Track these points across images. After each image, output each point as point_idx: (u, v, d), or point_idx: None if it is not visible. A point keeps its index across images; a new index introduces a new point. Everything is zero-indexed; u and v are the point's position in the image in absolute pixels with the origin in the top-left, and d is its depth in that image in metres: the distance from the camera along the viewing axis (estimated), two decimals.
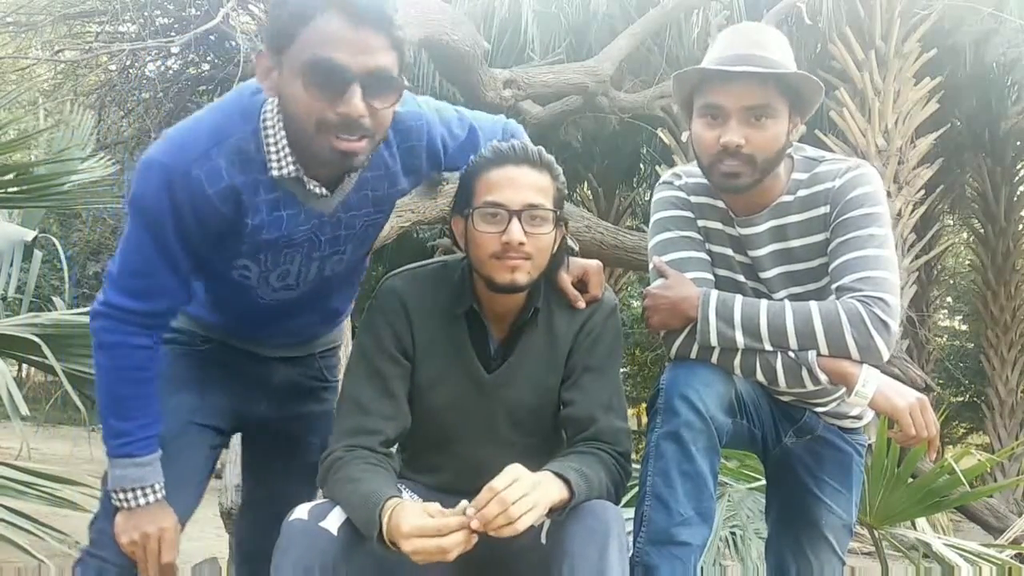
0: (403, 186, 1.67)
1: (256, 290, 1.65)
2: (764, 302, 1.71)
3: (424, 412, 1.68)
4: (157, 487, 1.60)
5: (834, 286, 1.70)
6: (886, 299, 1.64)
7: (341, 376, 1.96)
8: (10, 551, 2.74)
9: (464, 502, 1.38)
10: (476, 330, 1.67)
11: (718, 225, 1.82)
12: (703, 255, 1.82)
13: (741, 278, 1.82)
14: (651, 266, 1.83)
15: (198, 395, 1.72)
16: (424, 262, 1.76)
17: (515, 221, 1.55)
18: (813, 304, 1.67)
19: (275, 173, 1.47)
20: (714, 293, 1.72)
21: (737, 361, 1.70)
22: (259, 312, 1.70)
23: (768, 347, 1.68)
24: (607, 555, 1.41)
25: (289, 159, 1.47)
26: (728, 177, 1.68)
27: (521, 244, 1.54)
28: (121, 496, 1.59)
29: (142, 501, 1.59)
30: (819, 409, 1.88)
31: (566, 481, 1.44)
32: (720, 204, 1.81)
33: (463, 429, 1.68)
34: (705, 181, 1.79)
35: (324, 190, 1.52)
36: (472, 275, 1.66)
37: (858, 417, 1.91)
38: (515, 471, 1.38)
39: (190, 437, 1.69)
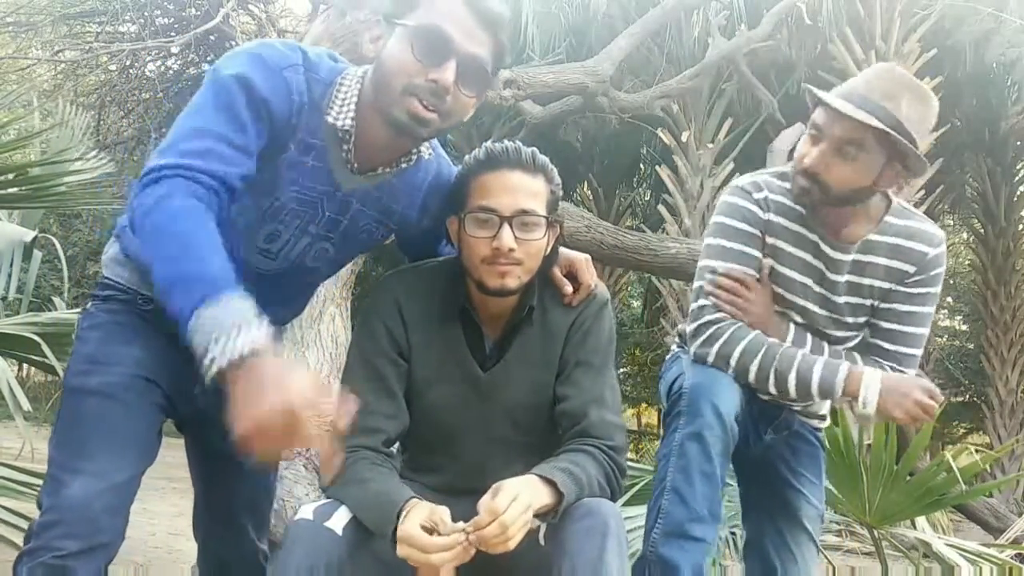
0: (409, 214, 1.69)
1: (239, 239, 1.55)
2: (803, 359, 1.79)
3: (421, 412, 1.67)
4: (264, 326, 1.24)
5: (879, 342, 1.87)
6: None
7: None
8: (11, 552, 2.75)
9: (460, 524, 1.38)
10: (471, 329, 1.67)
11: (789, 247, 1.86)
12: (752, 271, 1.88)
13: (806, 303, 1.87)
14: (703, 263, 1.88)
15: (143, 349, 1.56)
16: (420, 262, 1.76)
17: (506, 227, 1.54)
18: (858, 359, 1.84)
19: (330, 119, 1.51)
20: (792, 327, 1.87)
21: (753, 373, 1.79)
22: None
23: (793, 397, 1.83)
24: (605, 553, 1.41)
25: (351, 115, 1.51)
26: (801, 193, 1.79)
27: (511, 251, 1.55)
28: (213, 356, 1.21)
29: (245, 343, 1.21)
30: (796, 407, 1.98)
31: (552, 484, 1.44)
32: (804, 231, 1.85)
33: (461, 429, 1.68)
34: (792, 204, 1.85)
35: (356, 165, 1.56)
36: (465, 275, 1.66)
37: (824, 416, 2.06)
38: (513, 489, 1.38)
39: (136, 392, 1.53)
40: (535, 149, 1.62)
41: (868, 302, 1.86)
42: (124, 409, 1.52)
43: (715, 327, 1.81)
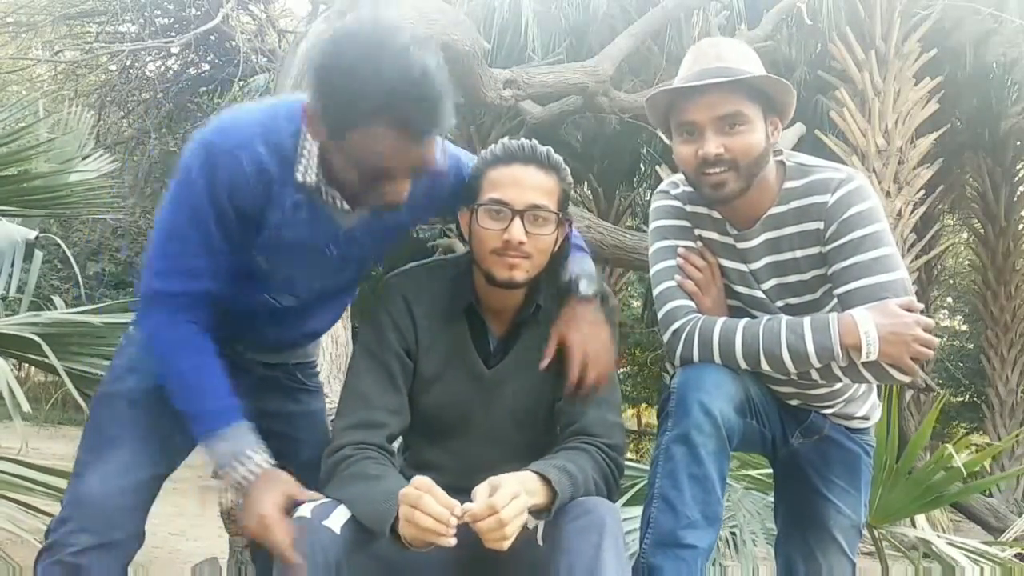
0: (418, 214, 1.70)
1: (257, 289, 1.65)
2: (782, 321, 1.68)
3: (425, 409, 1.68)
4: (258, 455, 1.53)
5: (841, 303, 1.67)
6: None
7: (322, 382, 1.97)
8: (15, 548, 2.75)
9: (466, 504, 1.38)
10: (476, 326, 1.68)
11: (715, 235, 1.83)
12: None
13: (741, 289, 1.82)
14: (652, 271, 1.84)
15: None
16: (426, 260, 1.77)
17: (517, 220, 1.57)
18: (806, 322, 1.66)
19: (299, 177, 1.51)
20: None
21: (740, 355, 1.69)
22: (250, 312, 1.69)
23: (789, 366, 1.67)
24: (602, 552, 1.41)
25: (314, 169, 1.51)
26: (715, 188, 1.69)
27: (521, 243, 1.56)
28: (232, 476, 1.53)
29: (245, 473, 1.52)
30: (826, 411, 1.88)
31: (547, 481, 1.44)
32: (716, 215, 1.81)
33: (464, 425, 1.69)
34: None
35: (345, 205, 1.55)
36: (473, 270, 1.67)
37: (865, 417, 1.91)
38: (512, 486, 1.38)
39: (157, 394, 1.59)
40: (550, 148, 1.63)
41: (797, 277, 1.74)
42: (150, 413, 1.58)
43: (687, 327, 1.73)
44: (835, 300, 1.71)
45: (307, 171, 1.51)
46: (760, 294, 1.80)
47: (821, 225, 1.69)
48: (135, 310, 1.59)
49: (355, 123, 1.38)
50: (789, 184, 1.74)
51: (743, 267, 1.80)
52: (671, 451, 1.66)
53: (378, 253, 1.75)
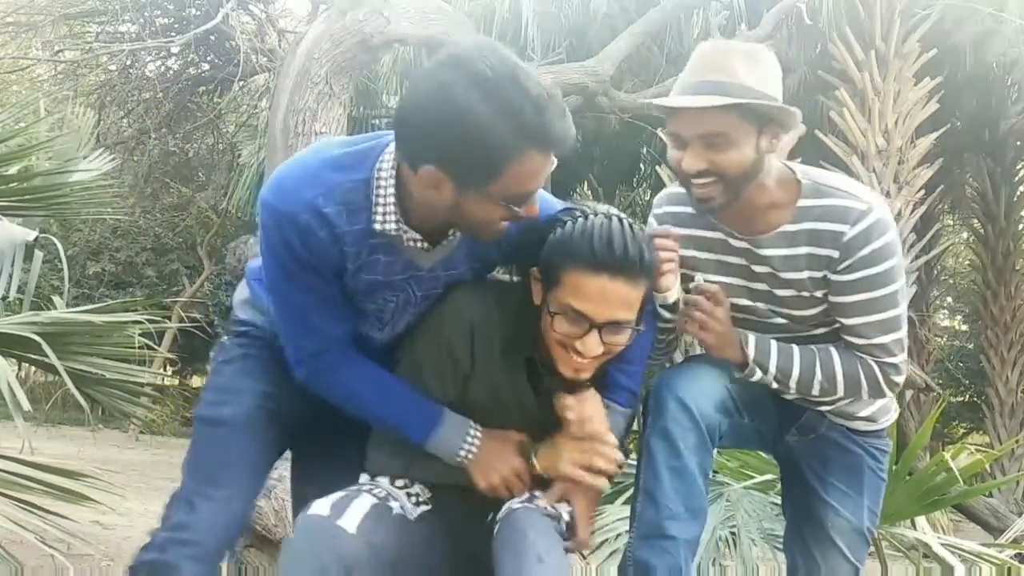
0: (499, 252, 1.66)
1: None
2: (794, 348, 1.73)
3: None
4: (472, 429, 1.62)
5: (848, 337, 1.71)
6: (899, 365, 1.73)
7: None
8: (15, 547, 2.75)
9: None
10: (533, 371, 1.64)
11: (709, 255, 1.79)
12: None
13: (741, 301, 1.78)
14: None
15: (270, 385, 1.70)
16: (489, 281, 1.70)
17: (594, 334, 1.49)
18: (836, 360, 1.72)
19: (377, 226, 1.50)
20: (752, 336, 1.74)
21: (796, 376, 1.74)
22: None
23: (794, 393, 1.76)
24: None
25: (392, 216, 1.49)
26: (702, 201, 1.67)
27: (595, 357, 1.51)
28: (460, 457, 1.61)
29: (474, 448, 1.61)
30: (822, 408, 1.85)
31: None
32: (713, 234, 1.77)
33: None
34: (684, 210, 1.78)
35: (425, 244, 1.54)
36: (538, 323, 1.58)
37: (870, 419, 1.85)
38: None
39: (261, 425, 1.67)
40: (644, 246, 1.50)
41: (795, 292, 1.72)
42: (249, 440, 1.65)
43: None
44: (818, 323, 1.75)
45: (385, 219, 1.49)
46: (775, 300, 1.76)
47: (836, 255, 1.65)
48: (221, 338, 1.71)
49: (507, 161, 1.36)
50: (804, 203, 1.68)
51: (753, 269, 1.76)
52: (651, 446, 1.68)
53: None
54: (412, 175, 1.43)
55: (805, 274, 1.70)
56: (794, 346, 1.74)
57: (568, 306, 1.48)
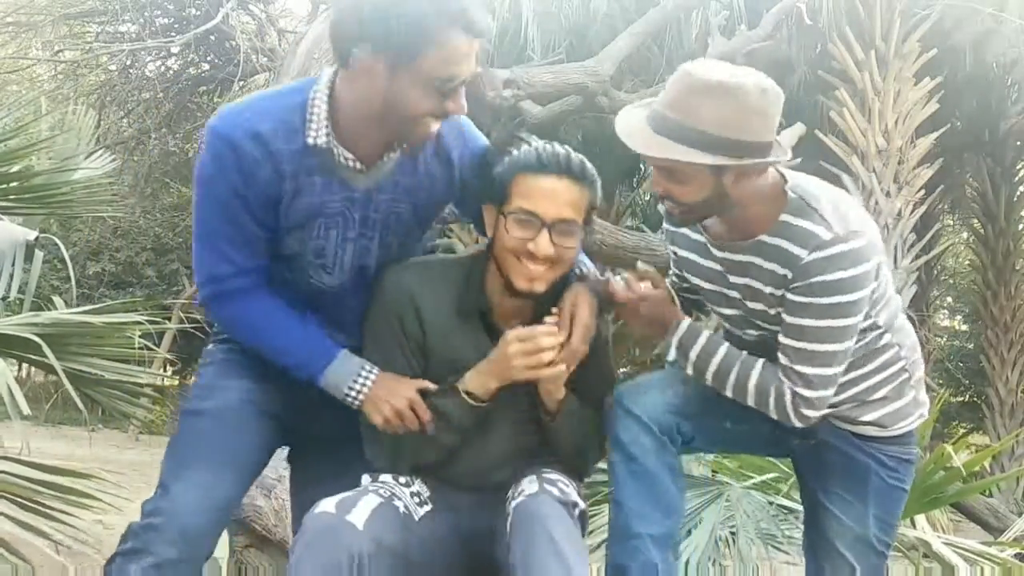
0: (437, 190, 1.71)
1: (295, 270, 1.68)
2: (724, 346, 1.73)
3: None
4: (367, 367, 1.67)
5: (778, 354, 1.68)
6: (813, 400, 1.67)
7: None
8: (15, 547, 2.75)
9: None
10: (489, 331, 1.67)
11: (692, 256, 1.80)
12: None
13: (722, 309, 1.81)
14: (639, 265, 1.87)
15: (255, 381, 1.72)
16: (431, 257, 1.77)
17: (545, 232, 1.58)
18: (756, 370, 1.71)
19: (310, 140, 1.56)
20: (685, 323, 1.75)
21: (712, 371, 1.74)
22: (306, 299, 1.72)
23: (711, 386, 1.75)
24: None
25: (324, 130, 1.56)
26: (667, 216, 1.72)
27: (547, 256, 1.58)
28: (352, 395, 1.66)
29: (367, 384, 1.65)
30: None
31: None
32: (697, 237, 1.77)
33: (476, 426, 1.68)
34: None
35: (359, 163, 1.59)
36: (486, 273, 1.66)
37: (878, 424, 1.78)
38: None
39: (245, 417, 1.69)
40: (584, 158, 1.63)
41: (763, 307, 1.70)
42: (230, 430, 1.65)
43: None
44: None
45: (317, 133, 1.55)
46: (745, 309, 1.75)
47: (790, 275, 1.62)
48: (207, 309, 1.69)
49: (432, 36, 1.43)
50: (785, 218, 1.64)
51: (728, 278, 1.75)
52: (610, 458, 1.78)
53: (405, 233, 1.72)
54: (346, 76, 1.52)
55: (768, 289, 1.68)
56: (725, 344, 1.74)
57: (520, 208, 1.59)
